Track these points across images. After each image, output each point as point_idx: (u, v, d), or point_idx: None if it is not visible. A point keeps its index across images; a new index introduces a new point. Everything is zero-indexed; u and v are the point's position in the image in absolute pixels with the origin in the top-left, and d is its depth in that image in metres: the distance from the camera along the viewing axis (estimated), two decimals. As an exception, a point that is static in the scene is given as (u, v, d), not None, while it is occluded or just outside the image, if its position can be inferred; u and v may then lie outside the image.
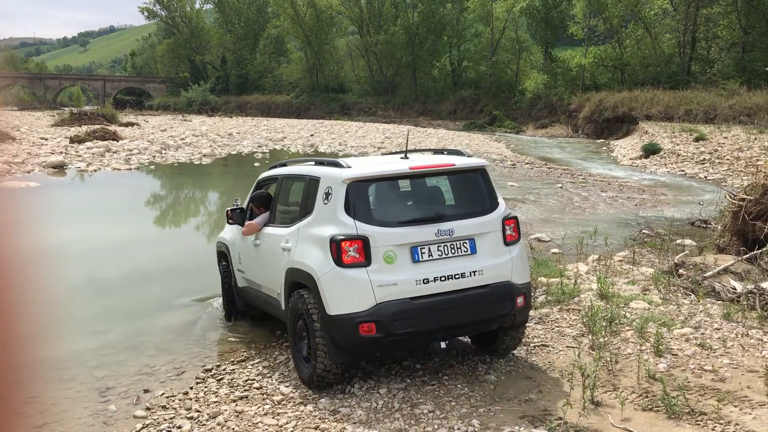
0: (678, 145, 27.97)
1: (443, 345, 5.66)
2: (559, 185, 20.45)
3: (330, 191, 5.52)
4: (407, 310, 5.18)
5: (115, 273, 10.26)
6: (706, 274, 8.35)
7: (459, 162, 5.96)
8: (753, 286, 7.64)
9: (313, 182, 5.91)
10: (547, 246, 11.62)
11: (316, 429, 4.86)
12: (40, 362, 6.35)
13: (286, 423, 4.99)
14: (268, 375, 6.02)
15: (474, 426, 4.78)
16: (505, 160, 28.51)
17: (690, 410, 4.89)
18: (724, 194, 11.17)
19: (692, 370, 5.74)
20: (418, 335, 5.35)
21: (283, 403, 5.39)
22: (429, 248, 5.36)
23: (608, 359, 5.87)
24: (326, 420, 4.99)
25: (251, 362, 6.41)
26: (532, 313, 7.35)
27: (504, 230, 5.73)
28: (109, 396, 5.75)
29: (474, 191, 5.97)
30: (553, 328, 6.95)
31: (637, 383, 5.45)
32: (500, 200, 5.94)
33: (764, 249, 8.75)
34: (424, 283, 5.25)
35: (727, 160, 24.26)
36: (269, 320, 7.29)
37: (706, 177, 22.62)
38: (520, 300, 5.68)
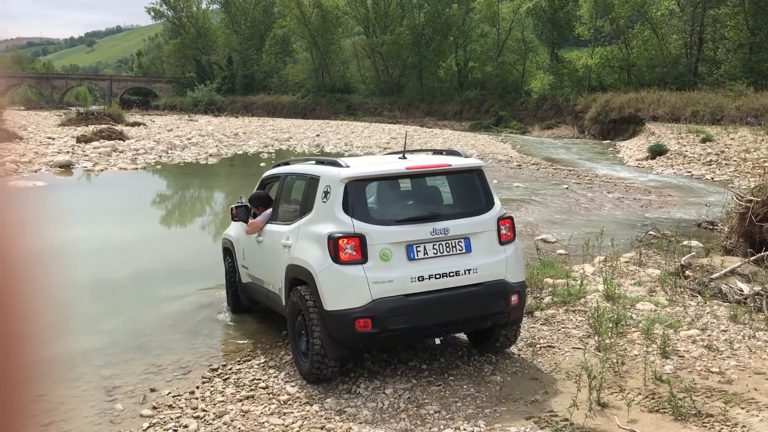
0: (684, 146, 27.88)
1: (438, 341, 5.78)
2: (565, 186, 20.41)
3: (329, 190, 5.66)
4: (402, 307, 5.31)
5: (121, 272, 10.29)
6: (713, 276, 8.33)
7: (456, 162, 6.10)
8: (760, 288, 7.62)
9: (312, 181, 6.06)
10: (553, 247, 11.60)
11: (322, 429, 4.87)
12: (47, 361, 6.38)
13: (292, 423, 5.00)
14: (274, 375, 6.03)
15: (480, 427, 4.78)
16: (510, 161, 28.48)
17: (697, 412, 4.88)
18: (731, 196, 11.14)
19: (699, 371, 5.72)
20: (412, 331, 5.49)
21: (289, 402, 5.40)
22: (424, 246, 5.49)
23: (614, 360, 5.85)
24: (332, 420, 5.00)
25: (257, 362, 6.42)
26: (538, 314, 7.37)
27: (499, 230, 5.83)
28: (115, 395, 5.77)
29: (470, 191, 6.08)
30: (559, 330, 6.94)
31: (643, 385, 5.44)
32: (496, 200, 6.04)
33: (771, 251, 8.72)
34: (419, 280, 5.38)
35: (734, 161, 24.17)
36: (275, 320, 7.30)
37: (712, 178, 22.54)
38: (514, 298, 5.77)
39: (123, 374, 6.22)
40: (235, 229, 7.98)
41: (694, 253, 10.08)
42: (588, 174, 24.13)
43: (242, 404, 5.40)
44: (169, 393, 5.76)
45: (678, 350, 6.18)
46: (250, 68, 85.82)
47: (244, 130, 44.37)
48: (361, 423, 4.92)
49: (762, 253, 8.80)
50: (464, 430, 4.75)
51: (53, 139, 31.56)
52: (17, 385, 1.05)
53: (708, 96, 37.10)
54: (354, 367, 6.01)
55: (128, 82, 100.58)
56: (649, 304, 7.47)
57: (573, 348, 6.39)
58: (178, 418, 5.23)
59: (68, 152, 26.06)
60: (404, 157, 6.16)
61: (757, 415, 4.87)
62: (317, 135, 42.31)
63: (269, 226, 6.88)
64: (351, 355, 5.79)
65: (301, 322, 5.77)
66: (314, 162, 6.58)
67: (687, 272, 8.66)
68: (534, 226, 13.50)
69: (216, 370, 6.28)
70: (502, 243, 5.82)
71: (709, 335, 6.56)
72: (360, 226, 5.39)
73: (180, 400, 5.60)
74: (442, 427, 4.80)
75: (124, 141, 31.09)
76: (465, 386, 5.55)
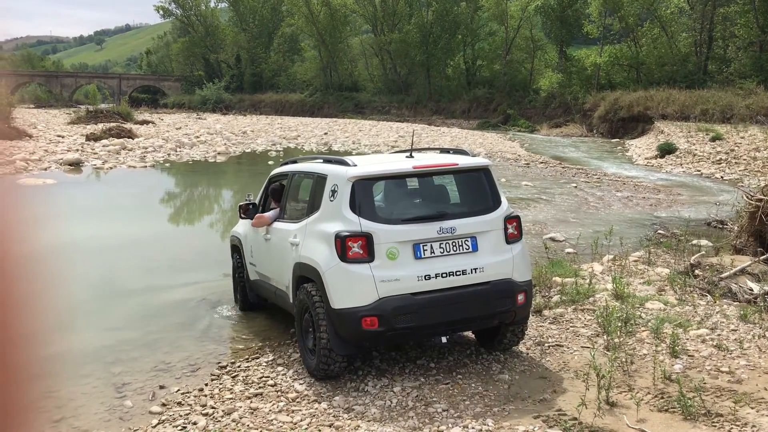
0: (694, 144, 27.74)
1: (444, 340, 5.82)
2: (574, 185, 20.36)
3: (336, 189, 5.69)
4: (409, 305, 5.33)
5: (130, 270, 10.34)
6: (723, 275, 8.29)
7: (462, 161, 6.11)
8: (770, 288, 7.57)
9: (320, 179, 6.09)
10: (562, 246, 11.58)
11: (330, 426, 4.88)
12: (57, 357, 6.42)
13: (301, 420, 5.01)
14: (283, 372, 6.05)
15: (488, 425, 4.78)
16: (519, 160, 28.42)
17: (706, 411, 4.86)
18: (741, 194, 11.08)
19: (708, 371, 5.70)
20: (419, 330, 5.51)
21: (297, 400, 5.41)
22: (431, 245, 5.50)
23: (623, 360, 5.84)
24: (340, 417, 5.01)
25: (265, 359, 6.44)
26: (546, 313, 7.36)
27: (506, 229, 5.84)
28: (125, 392, 5.80)
29: (477, 190, 6.08)
30: (568, 328, 6.93)
31: (652, 384, 5.42)
32: (503, 199, 6.04)
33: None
34: (425, 279, 5.40)
35: (744, 160, 24.04)
36: (283, 317, 7.32)
37: (722, 177, 22.43)
38: (520, 297, 5.78)
39: (132, 371, 6.25)
40: (243, 227, 8.02)
41: (703, 253, 10.03)
42: (597, 173, 24.06)
43: (251, 401, 5.42)
44: (178, 390, 5.78)
45: (687, 350, 6.16)
46: (258, 66, 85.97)
47: (252, 129, 44.46)
48: (369, 421, 4.93)
49: (772, 253, 8.75)
50: (472, 428, 4.75)
51: (63, 137, 31.72)
52: (16, 382, 1.06)
53: (718, 94, 36.89)
54: (362, 365, 6.02)
55: (137, 81, 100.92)
56: (658, 304, 7.45)
57: (581, 347, 6.37)
58: (187, 415, 5.25)
59: (78, 150, 26.17)
60: (411, 156, 6.18)
61: (767, 415, 4.84)
62: (325, 133, 42.35)
63: (277, 224, 6.90)
64: (358, 352, 5.81)
65: (308, 320, 5.79)
66: (322, 161, 6.59)
67: (696, 271, 8.62)
68: (542, 225, 13.47)
69: (225, 367, 6.30)
70: (508, 242, 5.83)
71: (719, 335, 6.53)
72: (367, 225, 5.41)
73: (189, 397, 5.63)
74: (450, 425, 4.80)
75: (133, 139, 31.22)
76: (473, 385, 5.55)
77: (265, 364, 6.32)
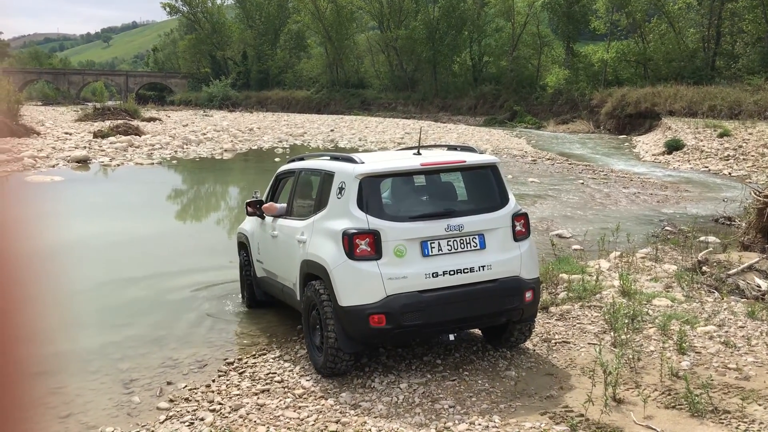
0: (702, 141, 27.61)
1: (452, 337, 5.77)
2: (581, 181, 20.31)
3: (343, 186, 5.68)
4: (416, 303, 5.32)
5: (137, 266, 10.37)
6: (730, 272, 8.25)
7: (470, 159, 6.07)
8: (778, 284, 7.54)
9: (327, 177, 6.07)
10: (568, 242, 11.56)
11: (337, 423, 4.89)
12: (65, 354, 6.46)
13: (308, 416, 5.02)
14: (289, 369, 6.06)
15: (495, 422, 4.78)
16: (525, 156, 28.36)
17: (713, 408, 4.85)
18: (749, 191, 11.02)
19: (716, 368, 5.68)
20: (426, 327, 5.50)
21: (304, 396, 5.42)
22: (439, 243, 5.49)
23: (630, 356, 5.83)
24: (347, 414, 5.02)
25: (272, 356, 6.45)
26: (553, 309, 7.35)
27: (514, 226, 5.82)
28: (132, 388, 5.83)
29: (485, 188, 6.07)
30: (575, 325, 6.92)
31: (659, 381, 5.41)
32: (511, 197, 6.02)
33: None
34: (433, 276, 5.39)
35: (752, 156, 23.91)
36: (290, 314, 7.34)
37: (730, 173, 22.33)
38: (528, 294, 5.77)
39: (140, 367, 6.27)
40: (250, 224, 8.01)
41: (711, 249, 9.98)
42: (603, 169, 23.99)
43: (258, 398, 5.44)
44: (186, 386, 5.80)
45: (695, 346, 6.15)
46: (265, 63, 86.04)
47: (259, 126, 44.51)
48: (375, 417, 4.94)
49: (780, 249, 8.71)
50: (479, 425, 4.75)
51: (70, 134, 31.84)
52: (17, 378, 1.06)
53: (726, 90, 36.66)
54: (369, 361, 6.03)
55: (144, 78, 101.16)
56: (665, 300, 7.43)
57: (588, 344, 6.36)
58: (194, 410, 5.27)
59: (85, 147, 26.28)
60: (419, 153, 6.17)
61: (775, 412, 4.83)
62: (331, 130, 42.36)
63: (284, 221, 6.89)
64: (365, 350, 5.81)
65: (316, 317, 5.80)
66: (329, 158, 6.57)
67: (704, 268, 8.59)
68: (549, 222, 13.44)
69: (232, 363, 6.32)
70: (516, 239, 5.82)
71: (727, 331, 6.51)
72: (374, 223, 5.40)
73: (196, 393, 5.65)
74: (456, 421, 4.81)
75: (140, 136, 31.31)
76: (480, 381, 5.55)
77: (272, 360, 6.34)
